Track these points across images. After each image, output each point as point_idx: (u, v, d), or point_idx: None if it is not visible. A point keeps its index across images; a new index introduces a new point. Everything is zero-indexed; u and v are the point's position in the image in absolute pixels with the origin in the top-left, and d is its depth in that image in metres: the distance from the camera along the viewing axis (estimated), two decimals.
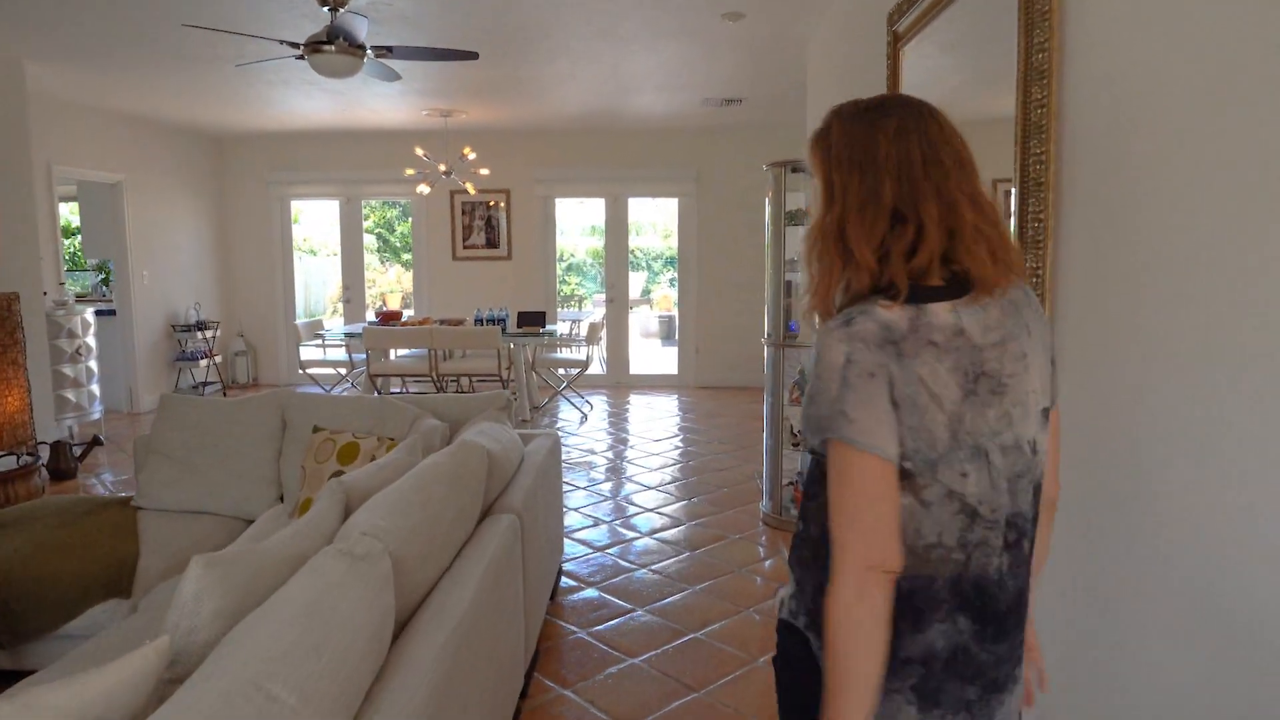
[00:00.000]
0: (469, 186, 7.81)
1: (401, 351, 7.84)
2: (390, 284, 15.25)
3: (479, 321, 7.42)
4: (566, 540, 4.37)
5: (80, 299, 9.24)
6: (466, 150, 7.34)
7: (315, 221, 16.30)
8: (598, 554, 4.20)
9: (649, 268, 20.20)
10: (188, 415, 3.57)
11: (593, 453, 6.32)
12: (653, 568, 4.01)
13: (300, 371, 7.60)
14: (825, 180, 1.18)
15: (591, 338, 7.60)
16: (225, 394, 8.85)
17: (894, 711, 1.14)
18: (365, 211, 17.95)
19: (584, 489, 5.36)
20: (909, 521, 1.09)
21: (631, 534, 4.49)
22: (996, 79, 2.19)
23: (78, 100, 6.94)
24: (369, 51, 4.18)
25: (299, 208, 16.85)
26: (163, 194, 8.28)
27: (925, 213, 1.10)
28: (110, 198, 7.76)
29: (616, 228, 9.28)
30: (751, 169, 8.92)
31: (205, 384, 8.61)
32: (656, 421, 7.42)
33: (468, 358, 7.72)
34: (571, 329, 10.80)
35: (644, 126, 8.53)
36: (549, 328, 7.87)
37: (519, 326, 7.50)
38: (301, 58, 4.13)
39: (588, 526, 4.63)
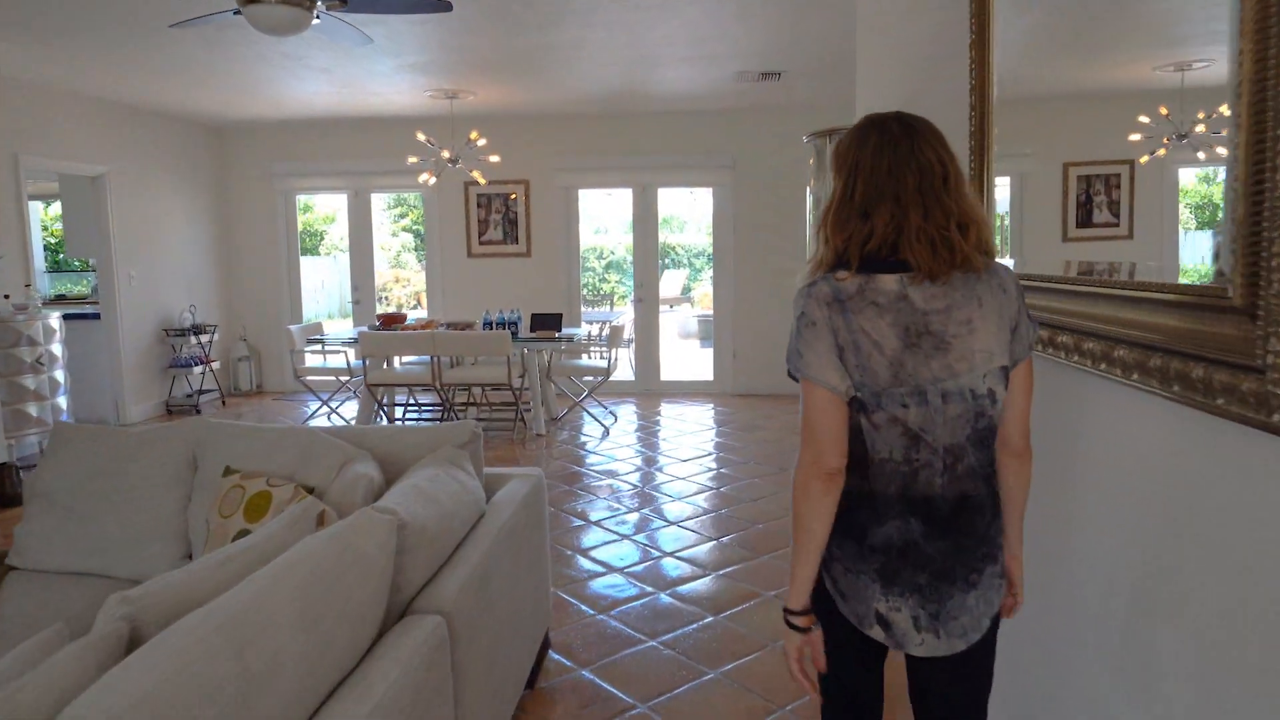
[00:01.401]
0: (477, 175, 7.05)
1: (408, 358, 7.13)
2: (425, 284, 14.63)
3: (487, 325, 6.67)
4: (567, 595, 3.58)
5: (73, 301, 8.72)
6: (474, 135, 6.59)
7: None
8: (601, 615, 3.40)
9: (690, 264, 19.35)
10: (80, 450, 2.85)
11: (611, 475, 5.52)
12: (665, 639, 3.19)
13: (296, 379, 6.92)
14: (834, 178, 1.52)
15: (614, 342, 6.80)
16: (224, 403, 8.24)
17: (863, 588, 1.49)
18: (402, 209, 17.61)
19: (596, 523, 4.56)
20: (867, 438, 1.45)
21: (645, 588, 3.67)
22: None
23: (49, 84, 6.33)
24: (319, 3, 3.43)
25: (331, 203, 16.54)
26: (153, 187, 7.68)
27: (878, 213, 1.42)
28: (92, 192, 7.16)
29: (645, 221, 8.47)
30: (793, 155, 8.04)
31: (201, 392, 8.00)
32: (687, 436, 6.60)
33: (479, 364, 6.98)
34: (600, 329, 10.03)
35: (673, 108, 7.70)
36: (568, 331, 7.09)
37: (533, 330, 6.73)
38: (239, 13, 3.40)
39: (595, 575, 3.83)
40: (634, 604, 3.51)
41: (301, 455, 2.59)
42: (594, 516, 4.68)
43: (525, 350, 6.58)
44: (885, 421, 1.42)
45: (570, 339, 6.58)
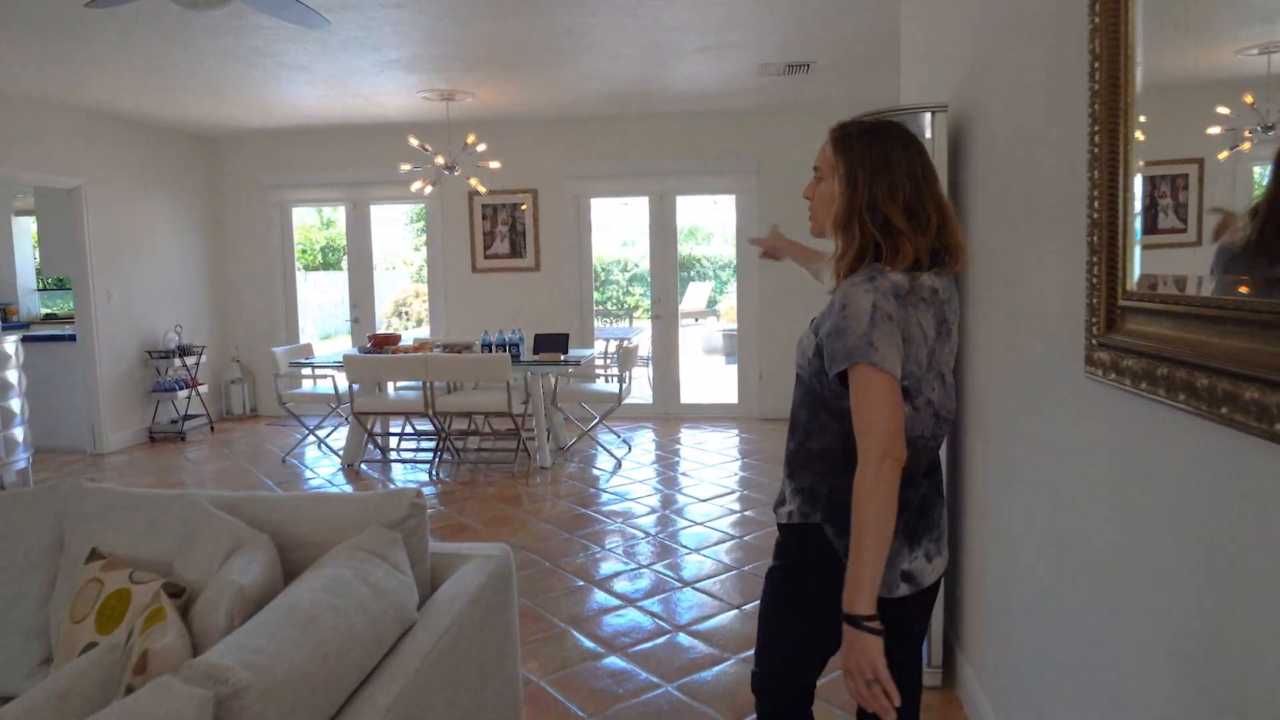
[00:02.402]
0: (475, 183, 6.46)
1: (403, 383, 6.53)
2: None
3: (486, 347, 6.05)
4: (552, 686, 2.92)
5: (64, 320, 8.25)
6: (470, 138, 5.99)
7: (383, 234, 15.47)
8: (594, 718, 2.74)
9: (716, 276, 18.66)
10: None
11: (619, 520, 4.86)
12: None
13: (280, 405, 6.34)
14: (849, 175, 1.56)
15: (626, 364, 6.15)
16: (213, 429, 7.70)
17: (894, 554, 1.55)
18: (424, 223, 17.18)
19: (600, 584, 3.90)
20: (909, 424, 1.51)
21: (653, 678, 3.00)
22: None
23: (12, 90, 5.83)
24: None
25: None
26: (135, 200, 7.17)
27: (931, 209, 1.53)
28: (67, 205, 6.67)
29: (663, 231, 7.83)
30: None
31: (187, 418, 7.46)
32: (708, 469, 5.92)
33: (479, 390, 6.37)
34: (615, 347, 9.40)
35: (691, 108, 7.07)
36: (576, 353, 6.46)
37: (536, 352, 6.10)
38: None
39: (592, 656, 3.16)
40: (638, 698, 2.84)
41: (184, 537, 1.97)
42: (599, 573, 4.02)
43: (529, 374, 5.95)
44: (924, 405, 1.54)
45: (577, 362, 5.93)
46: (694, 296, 17.22)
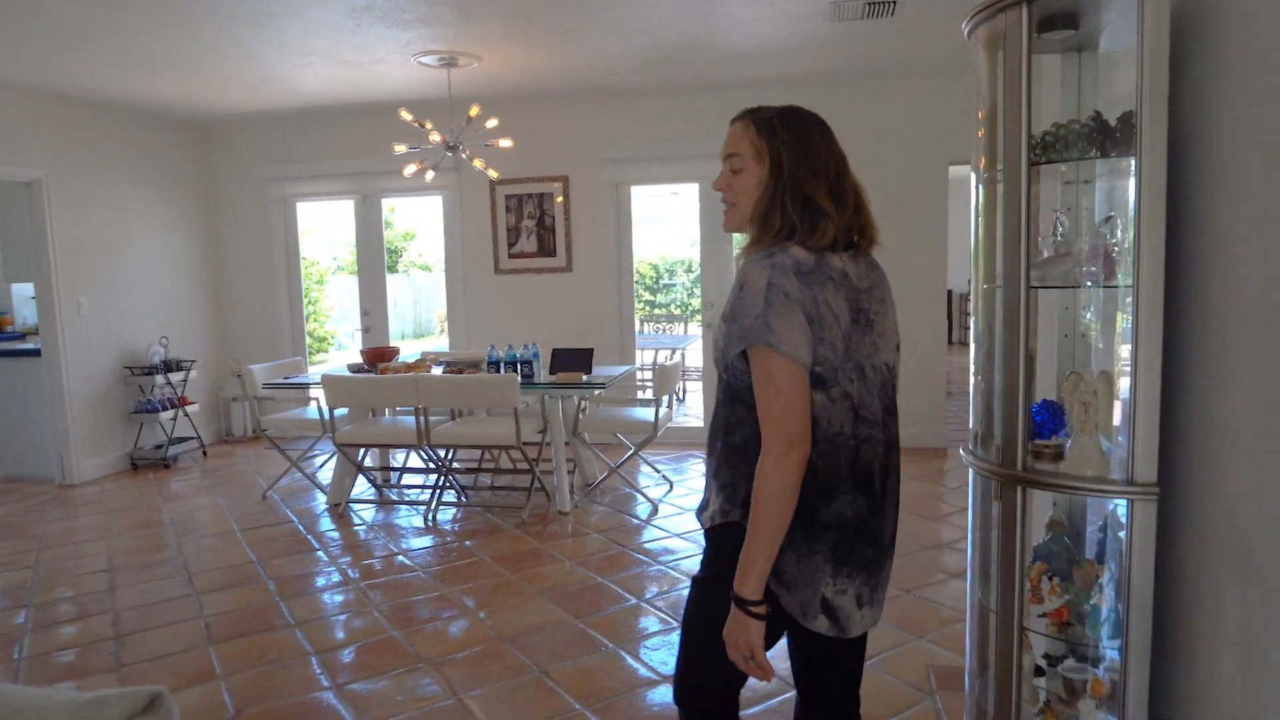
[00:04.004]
0: (479, 165, 5.36)
1: (401, 408, 5.50)
2: None
3: (493, 365, 4.97)
4: None
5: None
6: (474, 110, 4.92)
7: (431, 234, 14.71)
8: None
9: None
10: None
11: (650, 592, 3.71)
12: None
13: (259, 432, 5.38)
14: (775, 158, 1.49)
15: (663, 385, 4.99)
16: (205, 453, 6.81)
17: (813, 571, 1.48)
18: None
19: (605, 706, 2.75)
20: (823, 414, 1.44)
21: None
22: None
23: None
24: None
25: (411, 218, 15.36)
26: (110, 196, 6.31)
27: (850, 189, 1.52)
28: (26, 201, 5.83)
29: (714, 222, 6.66)
30: (913, 125, 6.12)
31: (175, 441, 6.58)
32: None
33: (492, 418, 5.31)
34: (655, 365, 8.26)
35: (747, 75, 5.87)
36: (608, 370, 5.34)
37: (553, 371, 5.00)
38: None
39: None
40: None
41: None
42: (616, 684, 2.88)
43: (546, 398, 4.86)
44: (840, 396, 1.45)
45: (601, 384, 4.78)
46: None
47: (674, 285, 16.47)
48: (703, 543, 1.61)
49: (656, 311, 15.96)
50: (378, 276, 7.34)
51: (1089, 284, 1.94)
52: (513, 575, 3.95)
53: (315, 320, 11.60)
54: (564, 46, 4.96)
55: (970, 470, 2.18)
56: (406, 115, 4.97)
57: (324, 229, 12.23)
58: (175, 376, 6.56)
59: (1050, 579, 2.02)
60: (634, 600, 3.64)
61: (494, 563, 4.11)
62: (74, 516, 5.19)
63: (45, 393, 5.97)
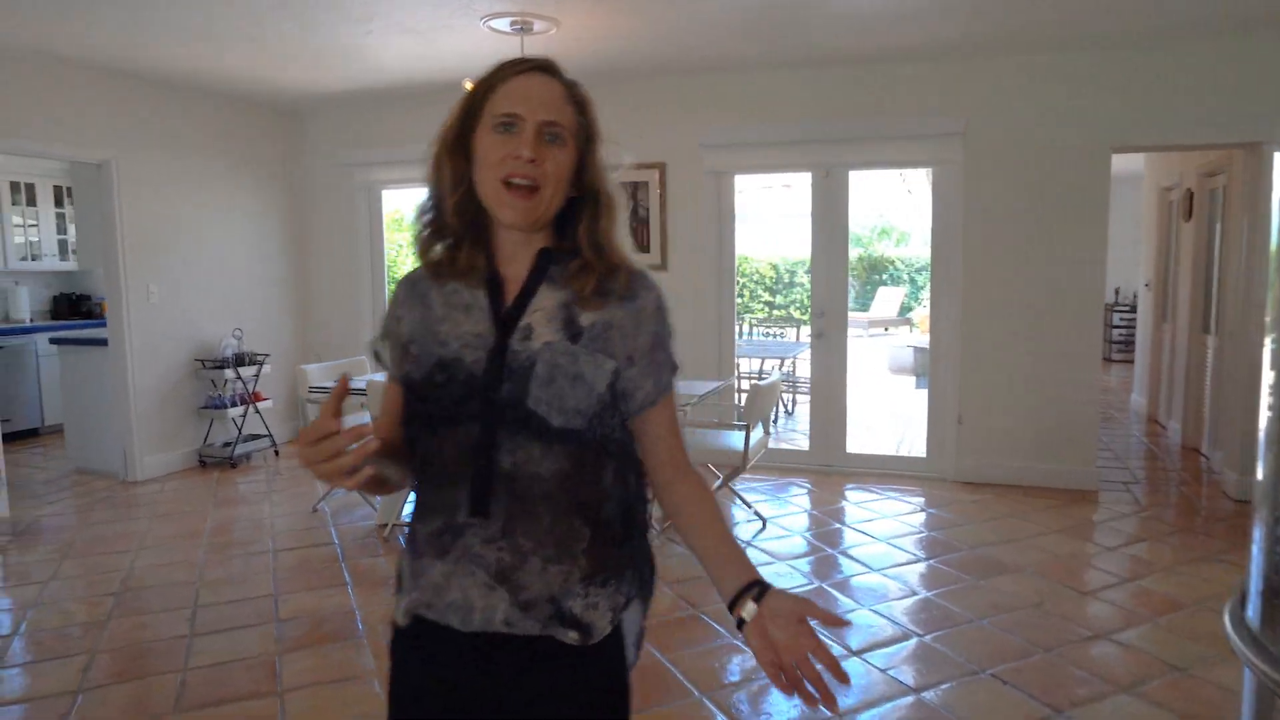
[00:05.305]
0: None
1: None
2: None
3: None
4: None
5: None
6: None
7: None
8: None
9: (911, 281, 16.05)
10: None
11: (727, 680, 2.95)
12: None
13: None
14: (585, 140, 1.20)
15: (754, 410, 4.19)
16: (277, 453, 6.49)
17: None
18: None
19: None
20: None
21: None
22: None
23: (16, 43, 4.72)
24: None
25: None
26: (182, 180, 6.02)
27: None
28: (95, 184, 5.59)
29: (830, 219, 5.78)
30: (1070, 104, 5.07)
31: (245, 438, 6.26)
32: (874, 577, 3.87)
33: None
34: (781, 367, 7.46)
35: (866, 46, 4.98)
36: (695, 386, 4.60)
37: None
38: None
39: None
40: None
41: None
42: None
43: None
44: None
45: (684, 405, 4.04)
46: (884, 302, 14.82)
47: (794, 286, 15.50)
48: None
49: (776, 314, 15.06)
50: None
51: None
52: None
53: None
54: (650, 5, 4.23)
55: (1245, 672, 1.21)
56: (469, 85, 4.35)
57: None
58: (247, 371, 6.24)
59: None
60: (697, 694, 2.88)
61: None
62: (116, 520, 4.88)
63: (111, 384, 5.73)
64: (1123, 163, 5.53)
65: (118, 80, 5.50)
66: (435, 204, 1.20)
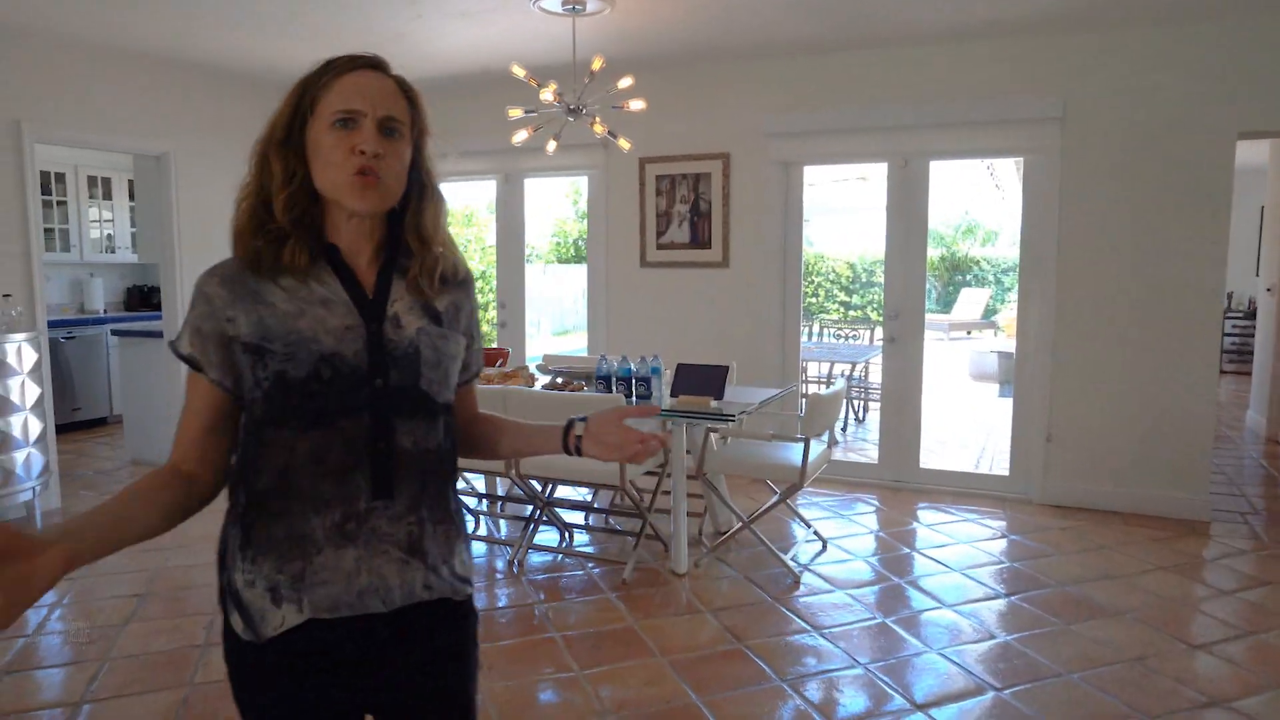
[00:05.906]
0: (597, 128, 4.35)
1: None
2: None
3: (602, 379, 4.01)
4: None
5: None
6: (596, 63, 3.97)
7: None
8: None
9: (997, 282, 15.28)
10: None
11: None
12: None
13: None
14: (419, 137, 1.28)
15: (814, 423, 3.81)
16: None
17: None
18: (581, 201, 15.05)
19: None
20: None
21: None
22: None
23: (73, 34, 4.68)
24: None
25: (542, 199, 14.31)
26: (237, 172, 5.90)
27: None
28: (155, 175, 5.56)
29: (907, 213, 5.34)
30: (1188, 84, 4.53)
31: None
32: (947, 615, 3.47)
33: None
34: (851, 372, 7.06)
35: (946, 21, 4.53)
36: (753, 393, 4.26)
37: (674, 394, 3.95)
38: None
39: None
40: None
41: None
42: None
43: (668, 427, 3.84)
44: None
45: (729, 417, 3.69)
46: (967, 304, 14.12)
47: (871, 286, 14.90)
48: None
49: (852, 314, 14.51)
50: (516, 265, 6.61)
51: None
52: (579, 671, 2.97)
53: None
54: None
55: None
56: (519, 71, 4.11)
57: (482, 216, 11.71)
58: None
59: None
60: None
61: (564, 646, 3.16)
62: None
63: (166, 376, 5.70)
64: (1242, 153, 4.94)
65: (174, 71, 5.44)
66: (260, 200, 1.20)
